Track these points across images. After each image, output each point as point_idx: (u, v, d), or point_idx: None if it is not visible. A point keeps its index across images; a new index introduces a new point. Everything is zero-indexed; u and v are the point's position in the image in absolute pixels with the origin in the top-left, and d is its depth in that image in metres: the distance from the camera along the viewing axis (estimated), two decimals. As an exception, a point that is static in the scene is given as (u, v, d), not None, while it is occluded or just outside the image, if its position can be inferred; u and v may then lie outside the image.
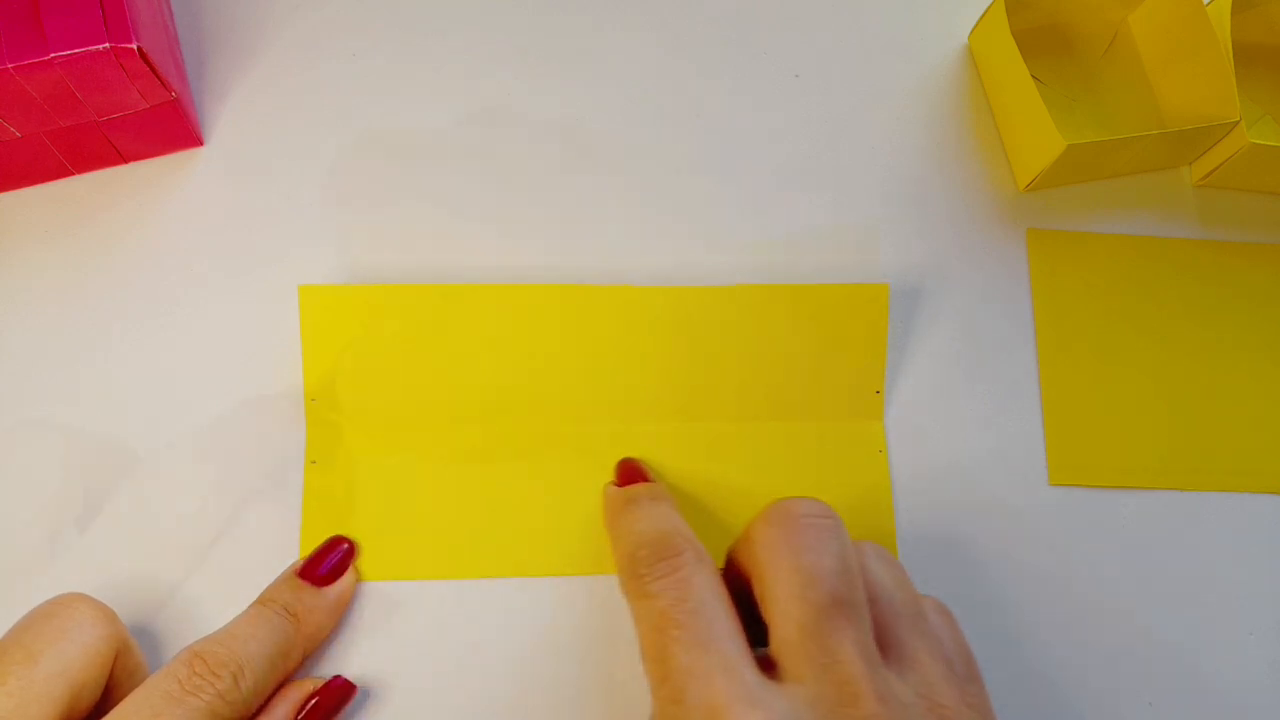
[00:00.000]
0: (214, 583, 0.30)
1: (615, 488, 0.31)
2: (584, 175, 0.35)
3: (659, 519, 0.28)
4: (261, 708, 0.27)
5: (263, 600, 0.28)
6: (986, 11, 0.37)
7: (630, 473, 0.31)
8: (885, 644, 0.25)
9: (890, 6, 0.39)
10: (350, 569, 0.30)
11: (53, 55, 0.28)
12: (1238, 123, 0.35)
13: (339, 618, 0.30)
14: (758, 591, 0.26)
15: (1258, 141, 0.35)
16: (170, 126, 0.33)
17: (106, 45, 0.28)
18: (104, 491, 0.31)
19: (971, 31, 0.39)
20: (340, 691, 0.28)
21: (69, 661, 0.24)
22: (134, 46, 0.28)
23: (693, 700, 0.23)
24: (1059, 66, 0.39)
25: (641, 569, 0.26)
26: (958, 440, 0.33)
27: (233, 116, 0.35)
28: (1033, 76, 0.35)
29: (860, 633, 0.24)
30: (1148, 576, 0.33)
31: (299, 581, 0.29)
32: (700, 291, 0.33)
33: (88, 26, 0.28)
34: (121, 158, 0.34)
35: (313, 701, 0.27)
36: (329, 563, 0.29)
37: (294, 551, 0.30)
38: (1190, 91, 0.37)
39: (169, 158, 0.34)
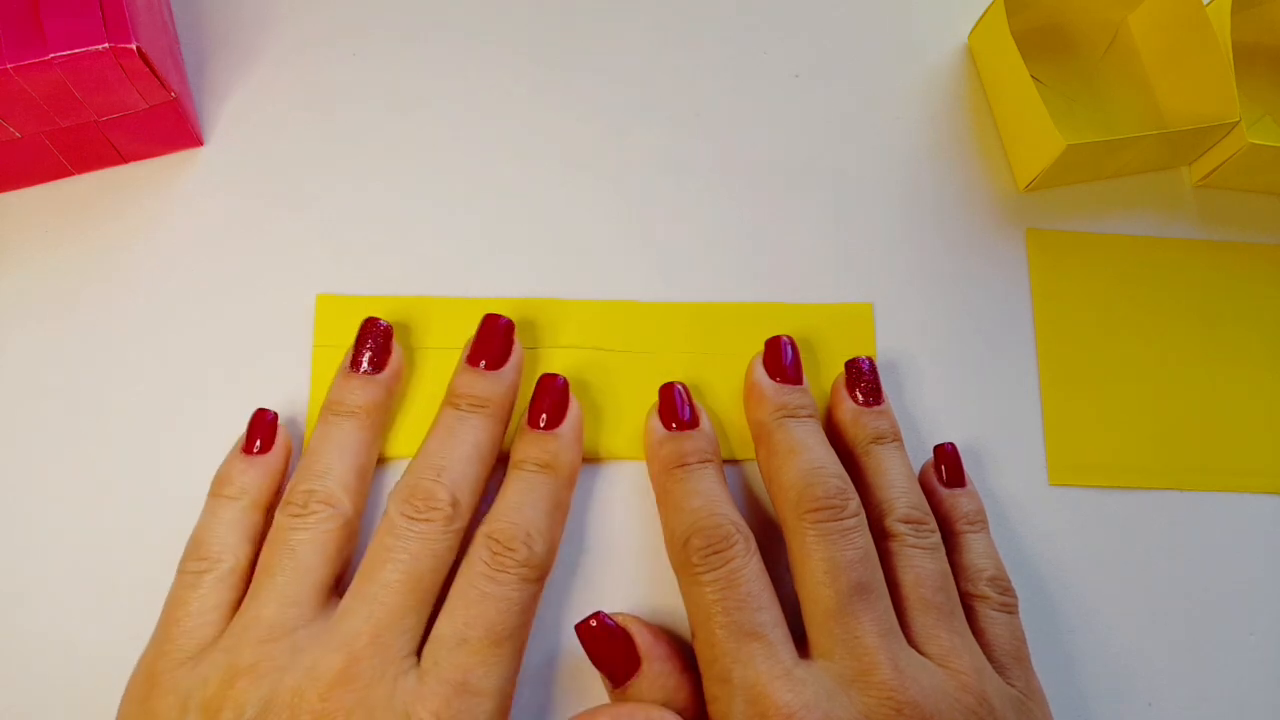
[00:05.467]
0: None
1: (661, 427, 0.31)
2: (582, 177, 0.35)
3: (710, 498, 0.29)
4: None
5: (515, 464, 0.30)
6: (986, 11, 0.37)
7: (674, 404, 0.31)
8: (909, 625, 0.28)
9: (890, 6, 0.39)
10: (571, 402, 0.31)
11: (52, 55, 0.28)
12: (1237, 123, 0.35)
13: (581, 444, 0.31)
14: (792, 566, 0.29)
15: (1257, 141, 0.35)
16: (170, 126, 0.33)
17: (106, 45, 0.28)
18: (104, 492, 0.31)
19: (971, 31, 0.39)
20: None
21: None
22: (133, 46, 0.28)
23: (738, 681, 0.26)
24: (1059, 66, 0.39)
25: (694, 557, 0.28)
26: (957, 440, 0.33)
27: (233, 116, 0.35)
28: (1032, 76, 0.35)
29: (878, 612, 0.27)
30: (1147, 576, 0.33)
31: (535, 434, 0.30)
32: (695, 309, 0.34)
33: (87, 26, 0.28)
34: (121, 158, 0.34)
35: None
36: (549, 403, 0.30)
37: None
38: (1190, 91, 0.37)
39: (169, 158, 0.34)
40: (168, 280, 0.33)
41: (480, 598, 0.27)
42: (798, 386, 0.32)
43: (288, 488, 0.29)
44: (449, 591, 0.28)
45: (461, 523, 0.29)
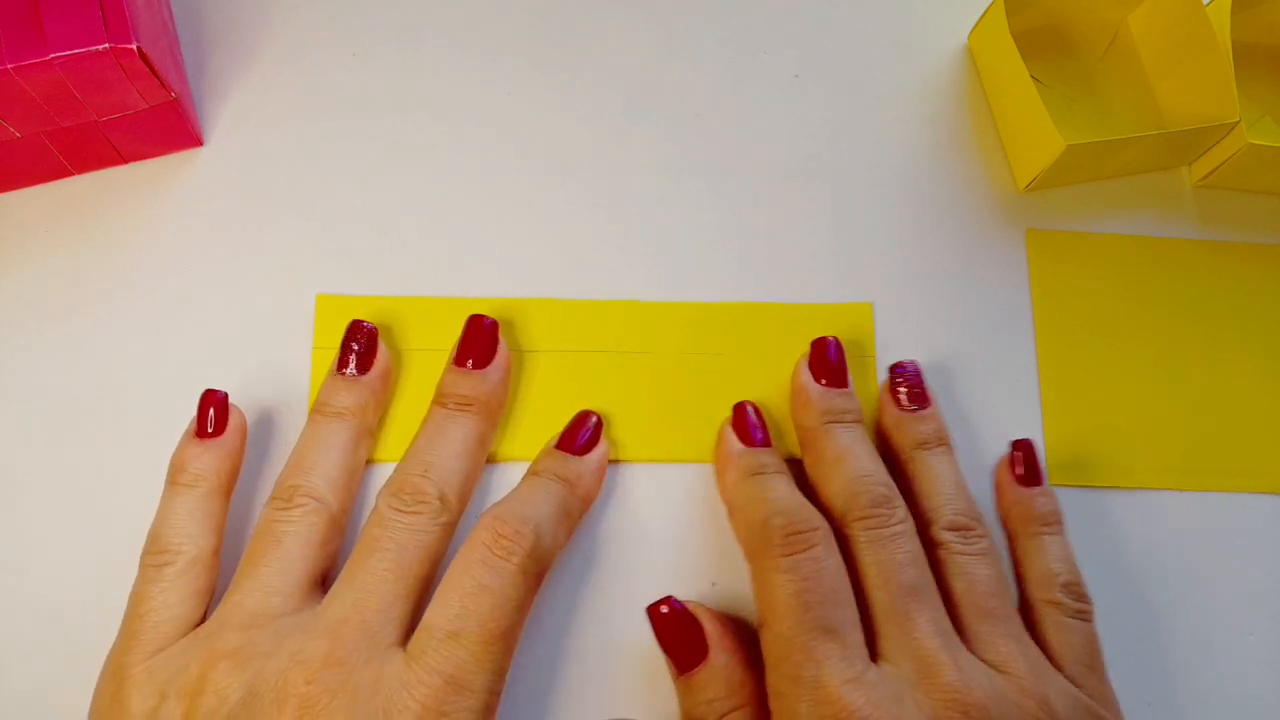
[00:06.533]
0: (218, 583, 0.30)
1: (736, 439, 0.31)
2: (582, 177, 0.35)
3: (791, 492, 0.30)
4: None
5: (534, 471, 0.30)
6: (986, 11, 0.37)
7: (748, 422, 0.32)
8: (963, 631, 0.28)
9: (890, 6, 0.39)
10: (602, 439, 0.31)
11: (52, 55, 0.28)
12: (1237, 123, 0.35)
13: (602, 481, 0.32)
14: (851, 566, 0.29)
15: (1257, 141, 0.35)
16: (170, 126, 0.33)
17: (106, 45, 0.28)
18: (104, 492, 0.31)
19: (971, 31, 0.39)
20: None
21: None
22: (133, 47, 0.28)
23: (809, 680, 0.26)
24: (1059, 66, 0.39)
25: (776, 539, 0.28)
26: (957, 440, 0.33)
27: (233, 116, 0.35)
28: (1032, 76, 0.35)
29: (933, 614, 0.27)
30: (1147, 577, 0.33)
31: (560, 452, 0.31)
32: (694, 309, 0.34)
33: (87, 27, 0.28)
34: (121, 158, 0.34)
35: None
36: (583, 435, 0.31)
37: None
38: (1190, 91, 0.37)
39: (169, 158, 0.34)
40: (168, 280, 0.33)
41: (476, 590, 0.26)
42: (843, 390, 0.32)
43: (276, 484, 0.29)
44: (442, 580, 0.27)
45: (450, 517, 0.29)
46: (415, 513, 0.28)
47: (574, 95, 0.36)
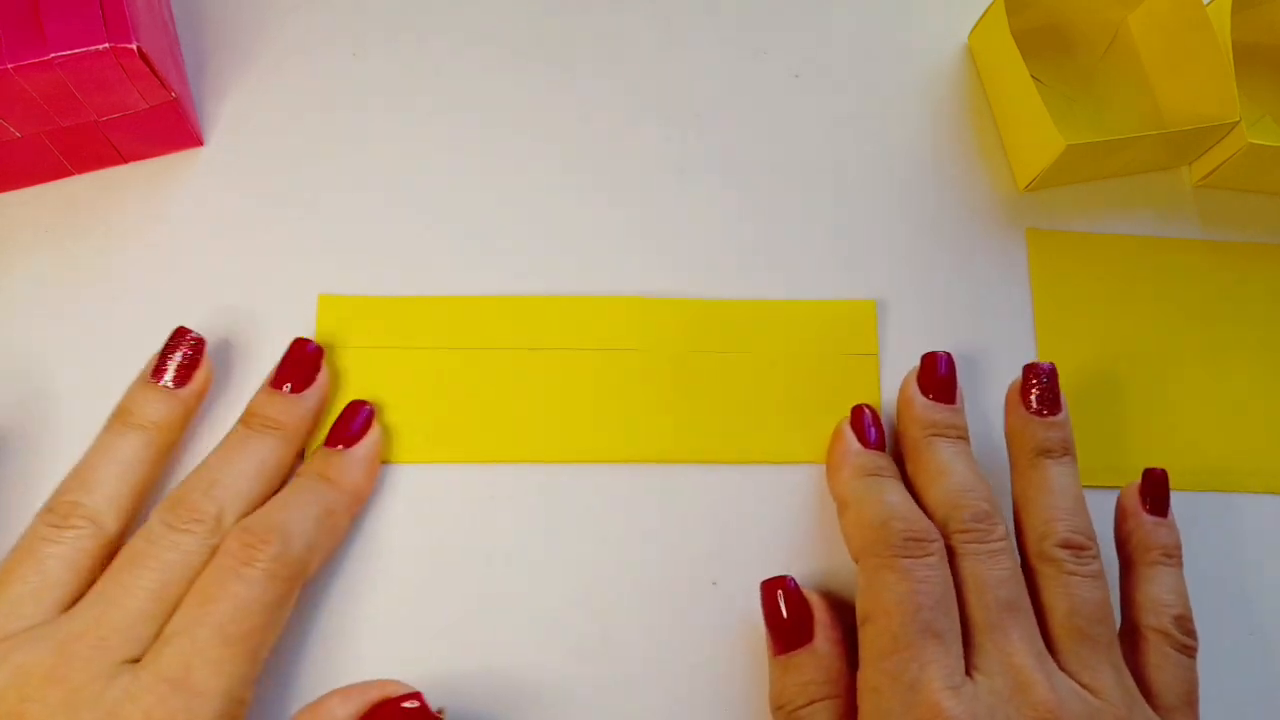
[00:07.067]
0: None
1: (854, 438, 0.32)
2: (583, 177, 0.35)
3: (907, 499, 0.30)
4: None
5: (298, 473, 0.30)
6: (986, 11, 0.37)
7: (864, 422, 0.32)
8: (1057, 651, 0.28)
9: (890, 6, 0.39)
10: (374, 429, 0.31)
11: (53, 55, 0.28)
12: (1237, 123, 0.35)
13: (374, 475, 0.31)
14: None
15: (1257, 141, 0.35)
16: (170, 126, 0.33)
17: (106, 45, 0.28)
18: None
19: (971, 31, 0.39)
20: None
21: None
22: (134, 46, 0.28)
23: (909, 680, 0.26)
24: (1059, 66, 0.39)
25: (895, 540, 0.28)
26: (958, 440, 0.33)
27: (233, 116, 0.35)
28: (1033, 76, 0.35)
29: (1027, 631, 0.27)
30: (1148, 576, 0.33)
31: (326, 450, 0.30)
32: (697, 305, 0.34)
33: (87, 26, 0.28)
34: (121, 158, 0.34)
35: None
36: (354, 426, 0.30)
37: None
38: (1190, 91, 0.37)
39: (169, 158, 0.34)
40: (167, 280, 0.33)
41: (218, 593, 0.25)
42: (950, 405, 0.31)
43: (55, 491, 0.28)
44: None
45: (221, 539, 0.27)
46: (187, 531, 0.27)
47: (574, 96, 0.36)
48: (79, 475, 0.28)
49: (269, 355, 0.32)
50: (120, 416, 0.29)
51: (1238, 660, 0.33)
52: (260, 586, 0.26)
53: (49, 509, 0.27)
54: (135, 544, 0.27)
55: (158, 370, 0.29)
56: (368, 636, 0.30)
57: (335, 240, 0.34)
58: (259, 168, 0.34)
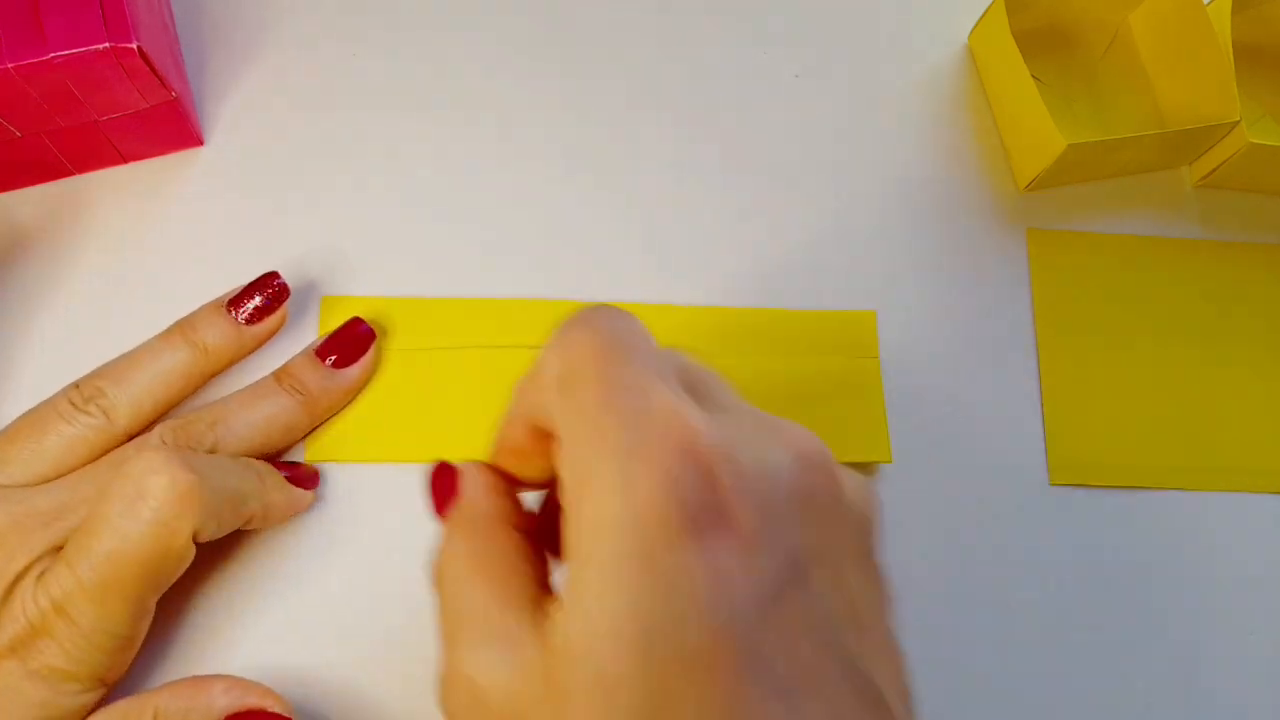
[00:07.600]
0: (218, 579, 0.30)
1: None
2: (583, 180, 0.35)
3: None
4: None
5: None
6: (986, 12, 0.37)
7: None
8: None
9: (890, 6, 0.39)
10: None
11: (53, 55, 0.28)
12: (1238, 123, 0.35)
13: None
14: None
15: (1258, 141, 0.35)
16: (170, 126, 0.33)
17: (106, 45, 0.28)
18: (104, 491, 0.31)
19: (971, 32, 0.39)
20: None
21: None
22: (134, 46, 0.28)
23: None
24: (1059, 66, 0.39)
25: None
26: (957, 439, 0.33)
27: (233, 116, 0.35)
28: (1033, 76, 0.35)
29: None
30: (1147, 576, 0.33)
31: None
32: (697, 312, 0.34)
33: (87, 26, 0.28)
34: (121, 158, 0.34)
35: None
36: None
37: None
38: (1190, 91, 0.37)
39: (169, 158, 0.34)
40: (168, 281, 0.33)
41: (103, 529, 0.24)
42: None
43: (89, 372, 0.28)
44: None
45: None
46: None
47: (575, 97, 0.36)
48: (119, 367, 0.28)
49: (269, 355, 0.32)
50: (181, 329, 0.29)
51: (1238, 660, 0.33)
52: (152, 531, 0.24)
53: (76, 386, 0.27)
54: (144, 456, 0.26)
55: (235, 302, 0.29)
56: (368, 637, 0.30)
57: (337, 240, 0.34)
58: (259, 168, 0.34)
